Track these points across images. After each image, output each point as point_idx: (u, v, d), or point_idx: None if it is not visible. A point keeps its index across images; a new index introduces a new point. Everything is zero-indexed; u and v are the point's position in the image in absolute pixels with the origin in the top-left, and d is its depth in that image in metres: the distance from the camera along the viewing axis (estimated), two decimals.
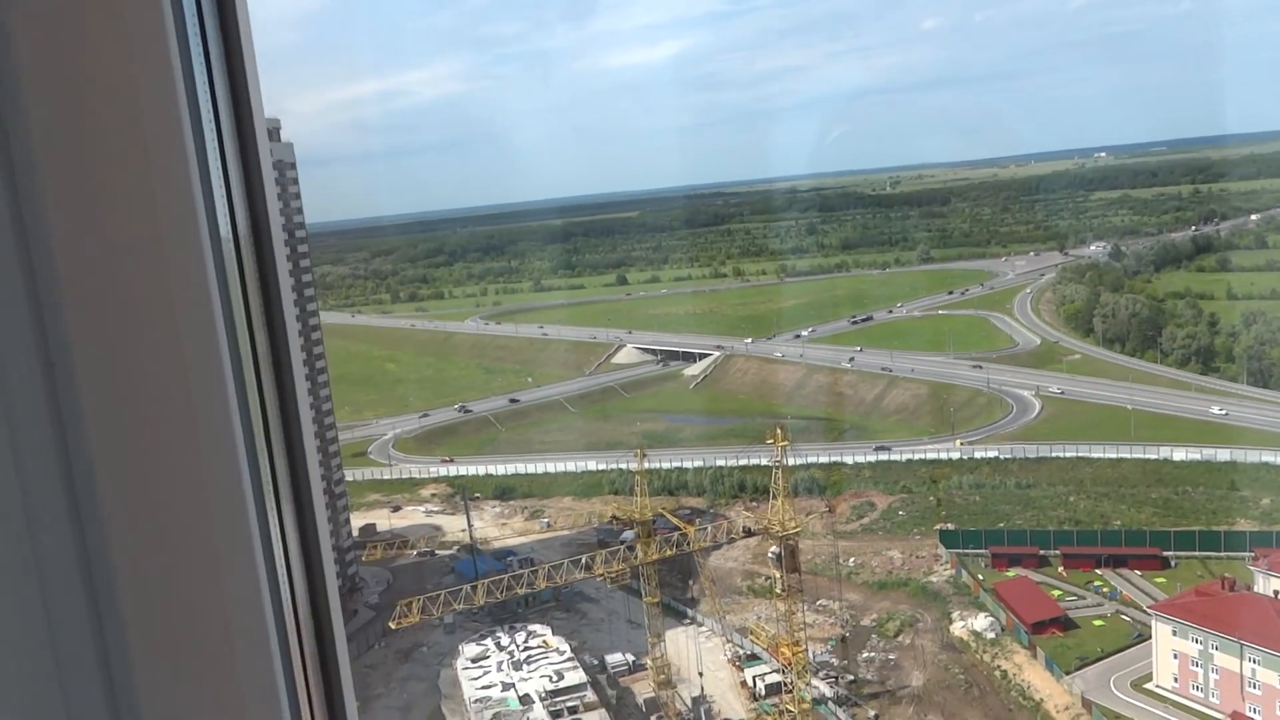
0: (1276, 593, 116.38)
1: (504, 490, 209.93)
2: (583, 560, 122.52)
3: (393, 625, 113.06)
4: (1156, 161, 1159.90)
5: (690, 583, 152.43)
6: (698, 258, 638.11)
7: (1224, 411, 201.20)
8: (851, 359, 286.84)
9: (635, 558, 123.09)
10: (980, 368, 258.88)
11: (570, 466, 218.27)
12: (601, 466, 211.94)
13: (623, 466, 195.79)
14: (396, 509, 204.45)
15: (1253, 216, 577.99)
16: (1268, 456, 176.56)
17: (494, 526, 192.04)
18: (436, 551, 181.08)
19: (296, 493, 3.08)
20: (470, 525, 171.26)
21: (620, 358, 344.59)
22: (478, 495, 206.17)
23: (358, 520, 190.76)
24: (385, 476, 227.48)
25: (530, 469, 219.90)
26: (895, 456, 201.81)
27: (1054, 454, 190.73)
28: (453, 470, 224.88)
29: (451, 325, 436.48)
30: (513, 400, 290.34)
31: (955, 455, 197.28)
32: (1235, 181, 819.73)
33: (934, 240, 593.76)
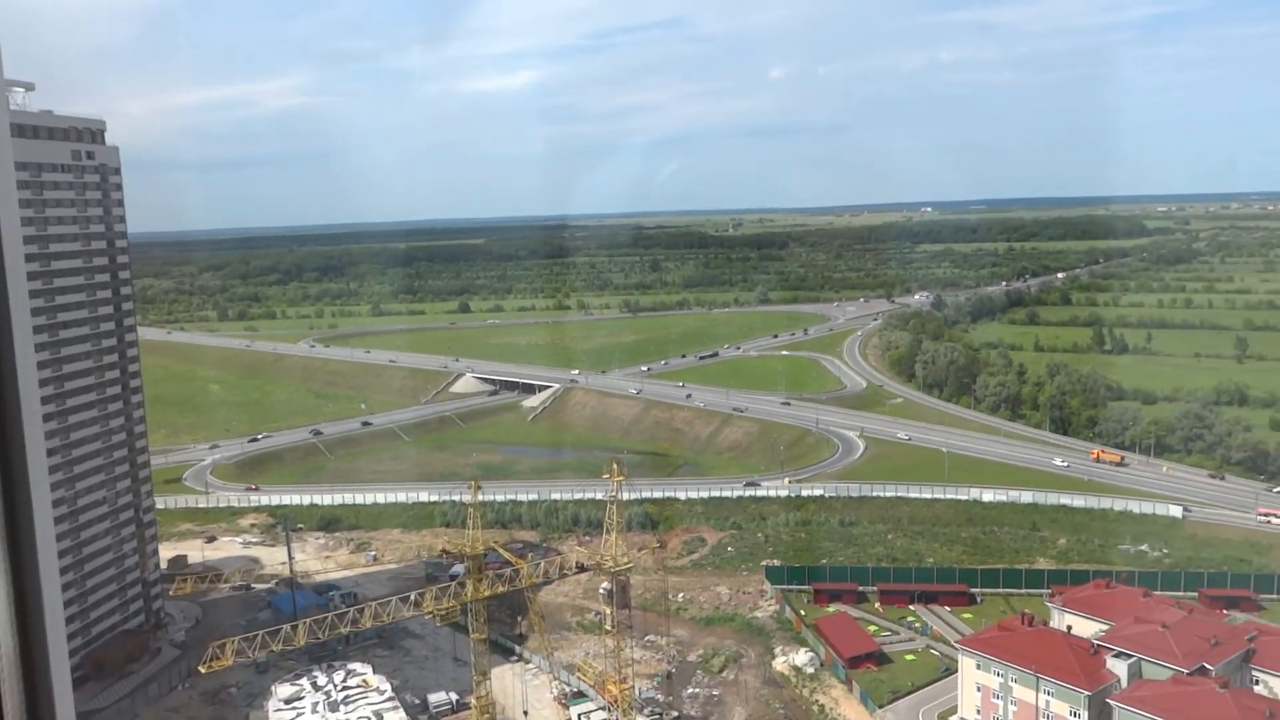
0: (1069, 628, 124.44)
1: (330, 521, 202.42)
2: (411, 597, 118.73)
3: (202, 669, 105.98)
4: (976, 219, 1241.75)
5: (519, 618, 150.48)
6: (542, 289, 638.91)
7: (1065, 464, 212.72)
8: (689, 395, 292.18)
9: (465, 594, 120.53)
10: (789, 404, 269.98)
11: (401, 497, 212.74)
12: (434, 498, 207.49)
13: (456, 498, 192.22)
14: (211, 539, 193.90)
15: (1059, 275, 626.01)
16: (1065, 499, 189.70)
17: (317, 559, 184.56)
18: (253, 585, 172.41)
19: (11, 527, 2.71)
20: (291, 558, 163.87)
21: (459, 386, 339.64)
22: (301, 526, 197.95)
23: (168, 551, 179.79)
24: (201, 504, 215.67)
25: (359, 499, 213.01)
26: (726, 493, 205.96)
27: (875, 493, 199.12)
28: (274, 499, 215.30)
29: (283, 347, 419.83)
30: (365, 424, 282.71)
31: (784, 493, 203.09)
32: (1045, 241, 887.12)
33: (772, 282, 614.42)
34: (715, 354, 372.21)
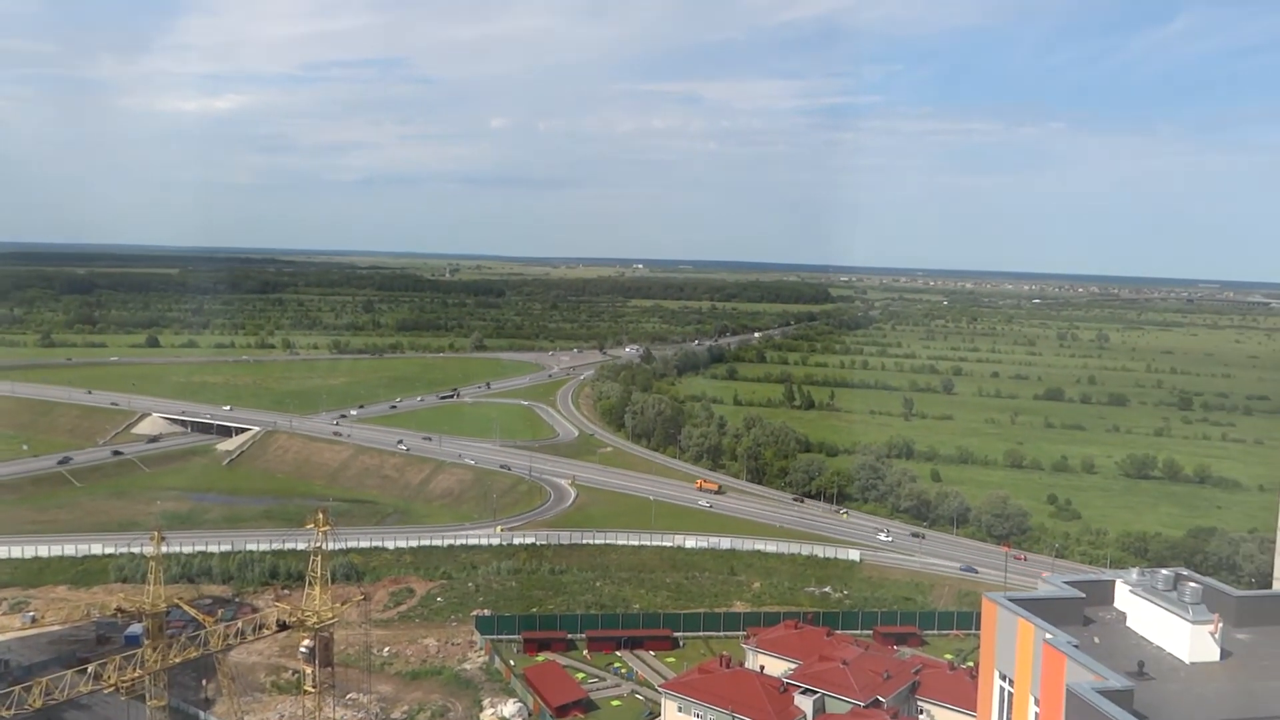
0: (762, 667, 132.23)
1: None
2: (90, 669, 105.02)
3: None
4: (684, 278, 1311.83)
5: (205, 681, 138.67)
6: (244, 325, 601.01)
7: (879, 532, 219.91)
8: (400, 441, 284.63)
9: (151, 661, 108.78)
10: (471, 461, 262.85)
11: (69, 550, 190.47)
12: (109, 550, 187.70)
13: (136, 550, 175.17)
14: None
15: (755, 334, 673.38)
16: (759, 545, 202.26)
17: None
18: None
19: None
20: None
21: (144, 427, 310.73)
22: None
23: None
24: None
25: (15, 553, 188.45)
26: (437, 542, 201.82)
27: (585, 540, 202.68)
28: None
29: None
30: (63, 462, 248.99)
31: (495, 541, 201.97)
32: (744, 303, 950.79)
33: (488, 329, 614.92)
34: (455, 393, 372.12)
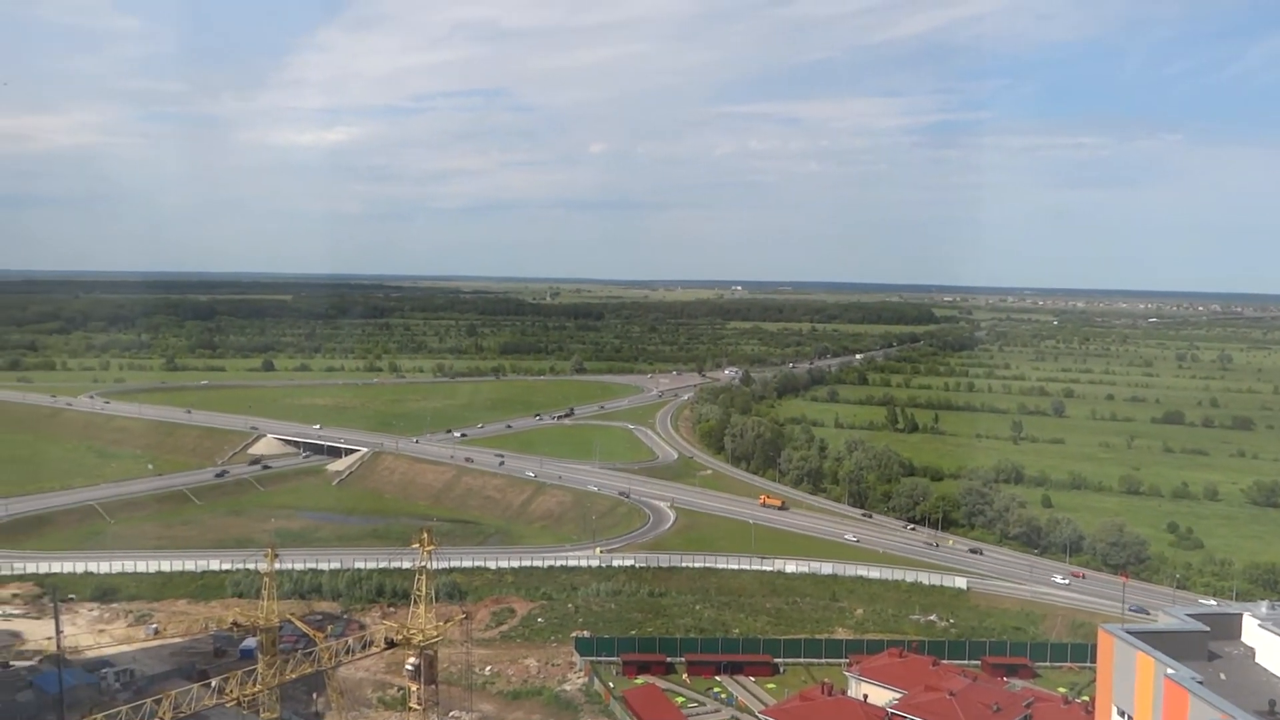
0: (865, 696, 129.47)
1: (106, 591, 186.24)
2: (213, 683, 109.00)
3: None
4: (783, 300, 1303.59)
5: (315, 695, 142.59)
6: (353, 349, 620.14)
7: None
8: (502, 462, 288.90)
9: (268, 677, 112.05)
10: (595, 488, 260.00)
11: (190, 565, 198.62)
12: (226, 566, 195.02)
13: (250, 567, 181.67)
14: None
15: (857, 356, 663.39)
16: (862, 570, 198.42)
17: (90, 633, 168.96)
18: (11, 663, 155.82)
19: None
20: (59, 631, 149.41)
21: (259, 448, 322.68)
22: (73, 596, 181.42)
23: None
24: None
25: (141, 567, 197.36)
26: (538, 563, 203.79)
27: (684, 564, 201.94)
28: (42, 567, 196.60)
29: (62, 400, 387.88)
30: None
31: (595, 563, 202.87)
32: (845, 324, 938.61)
33: (588, 352, 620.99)
34: (570, 411, 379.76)
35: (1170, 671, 29.00)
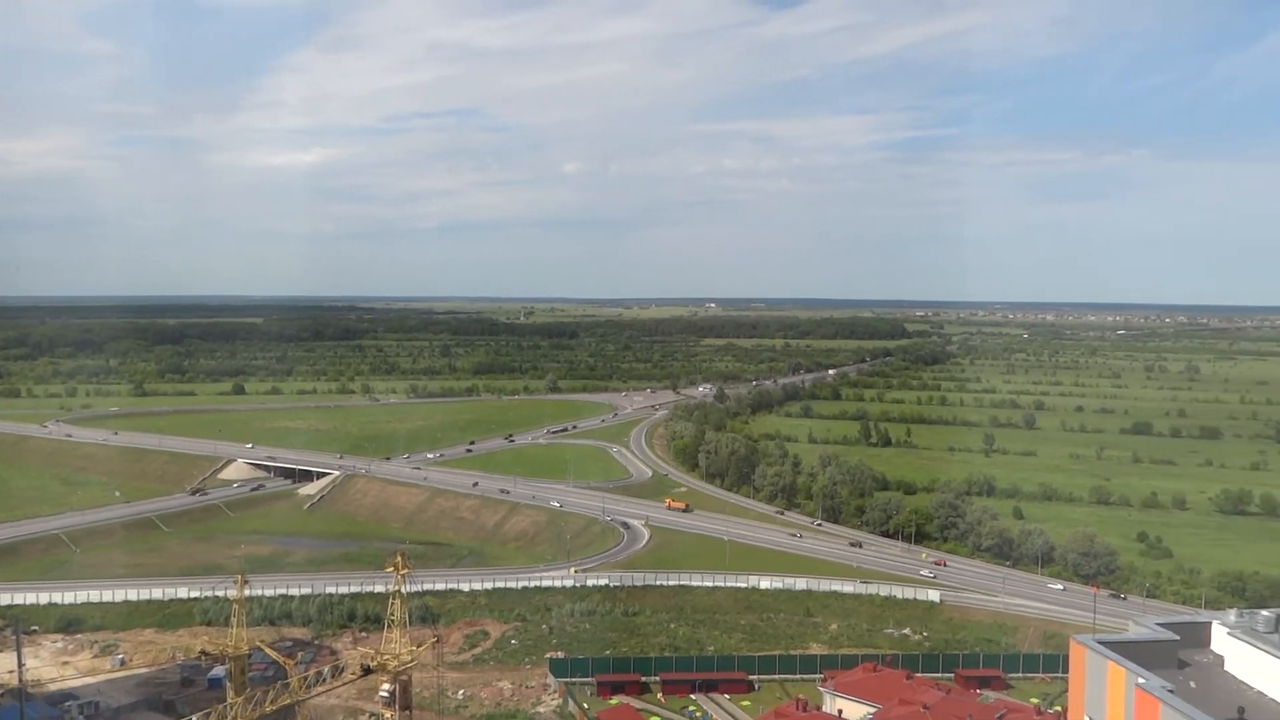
0: (840, 711, 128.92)
1: (70, 621, 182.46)
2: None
3: None
4: (756, 316, 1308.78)
5: None
6: (325, 371, 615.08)
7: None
8: (475, 483, 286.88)
9: (245, 713, 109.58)
10: (558, 504, 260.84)
11: (157, 594, 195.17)
12: (194, 594, 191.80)
13: (220, 594, 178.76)
14: None
15: (830, 371, 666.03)
16: (836, 585, 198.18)
17: (54, 665, 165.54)
18: None
19: None
20: (21, 664, 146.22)
21: (229, 473, 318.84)
22: (36, 628, 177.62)
23: None
24: None
25: (107, 596, 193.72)
26: (511, 584, 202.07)
27: (659, 582, 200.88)
28: (4, 599, 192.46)
29: (28, 428, 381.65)
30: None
31: (569, 583, 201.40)
32: (818, 340, 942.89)
33: (562, 371, 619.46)
34: (510, 437, 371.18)
35: (1141, 681, 28.80)
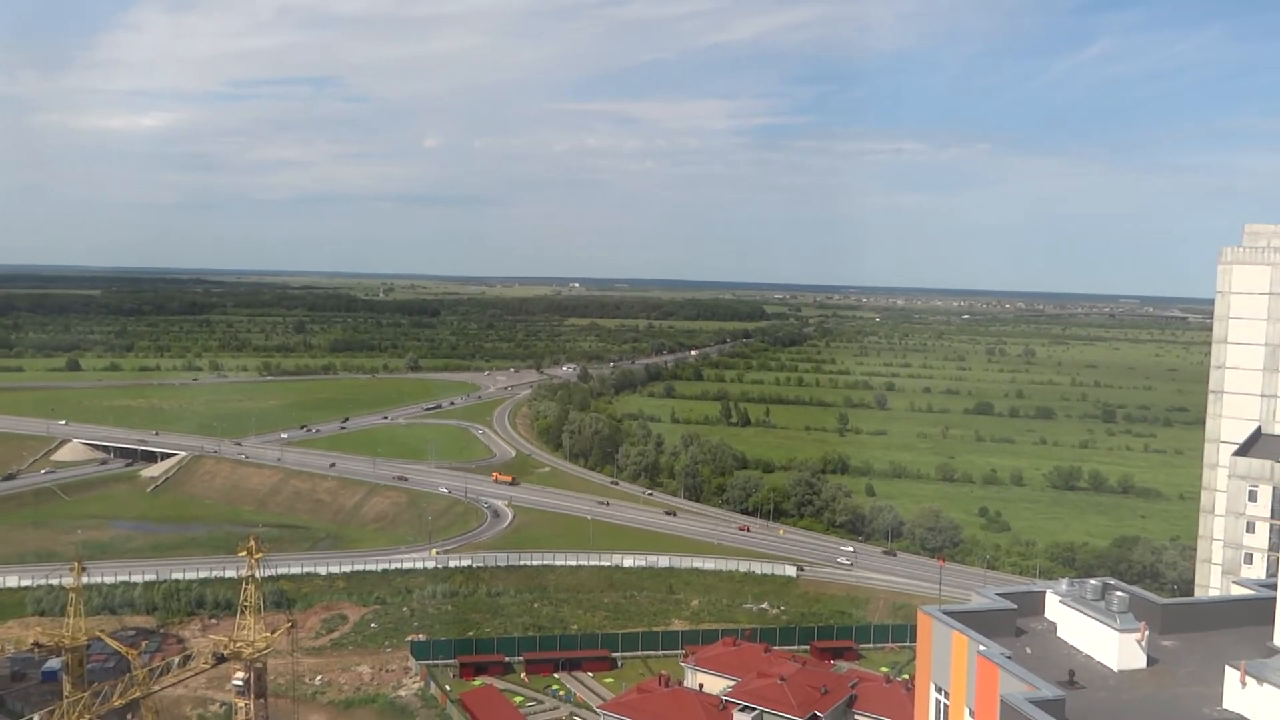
0: (701, 685, 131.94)
1: None
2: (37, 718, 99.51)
3: None
4: (620, 296, 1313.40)
5: (129, 716, 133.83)
6: (169, 347, 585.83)
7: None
8: (333, 464, 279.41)
9: (95, 706, 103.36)
10: (405, 479, 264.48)
11: None
12: (25, 583, 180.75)
13: (54, 582, 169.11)
14: None
15: (692, 352, 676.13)
16: (698, 563, 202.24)
17: None
18: None
19: None
20: None
21: (64, 454, 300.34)
22: None
23: None
24: None
25: None
26: (371, 566, 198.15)
27: (522, 562, 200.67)
28: None
29: None
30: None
31: (431, 564, 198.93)
32: (681, 321, 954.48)
33: (423, 349, 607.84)
34: (346, 421, 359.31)
35: (982, 648, 30.59)
